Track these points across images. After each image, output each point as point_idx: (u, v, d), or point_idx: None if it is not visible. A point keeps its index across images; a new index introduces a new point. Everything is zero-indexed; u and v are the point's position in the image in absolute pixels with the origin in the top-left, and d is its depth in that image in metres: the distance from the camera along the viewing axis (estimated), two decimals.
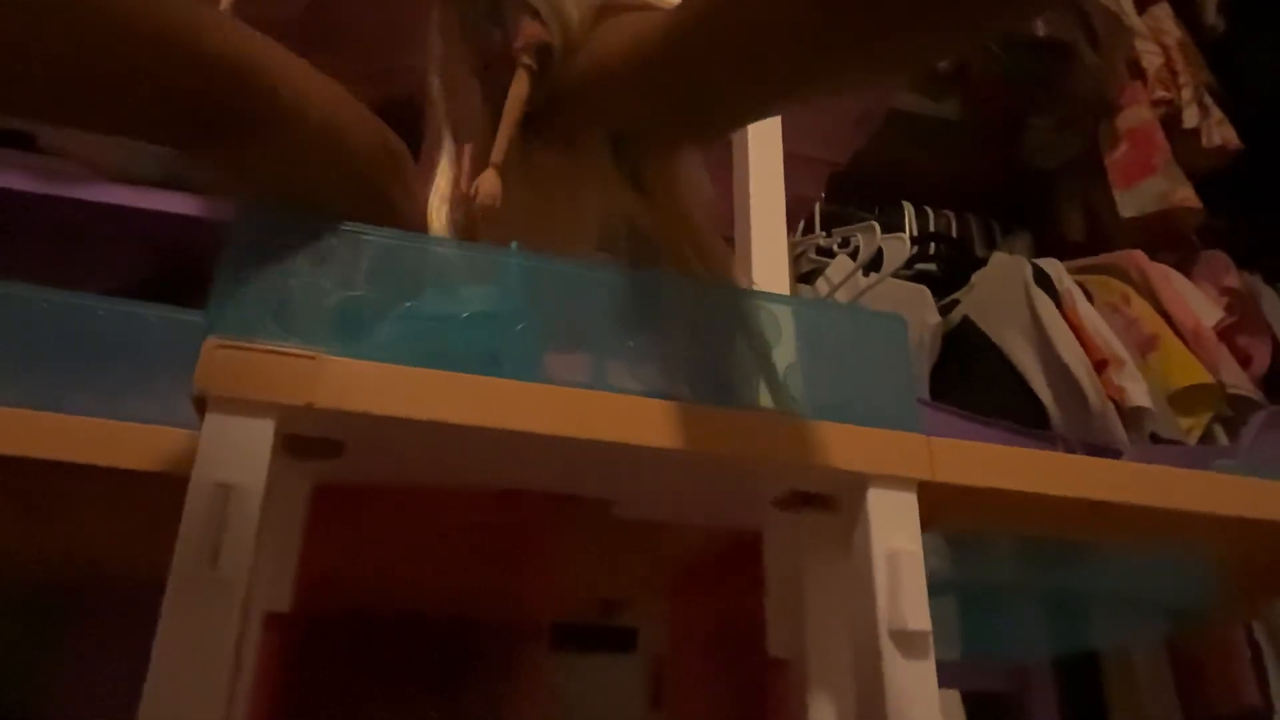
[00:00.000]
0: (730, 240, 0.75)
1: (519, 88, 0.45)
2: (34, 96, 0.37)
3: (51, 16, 0.34)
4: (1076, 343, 1.37)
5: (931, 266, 1.81)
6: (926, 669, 0.40)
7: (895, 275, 1.53)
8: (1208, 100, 1.79)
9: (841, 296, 1.48)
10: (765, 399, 0.45)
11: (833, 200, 1.73)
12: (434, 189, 0.49)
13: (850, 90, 0.88)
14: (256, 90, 0.38)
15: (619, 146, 0.47)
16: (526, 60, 0.45)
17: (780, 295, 0.49)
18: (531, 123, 0.47)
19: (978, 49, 1.68)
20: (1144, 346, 1.44)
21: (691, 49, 0.40)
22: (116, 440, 0.43)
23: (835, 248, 1.60)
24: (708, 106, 0.43)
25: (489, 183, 0.44)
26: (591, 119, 0.47)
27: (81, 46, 0.35)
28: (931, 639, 0.41)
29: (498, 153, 0.45)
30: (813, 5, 0.34)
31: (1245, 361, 1.56)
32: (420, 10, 0.83)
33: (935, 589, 0.42)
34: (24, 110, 0.40)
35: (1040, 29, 1.68)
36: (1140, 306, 1.50)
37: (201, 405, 0.36)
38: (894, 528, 0.43)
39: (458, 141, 0.50)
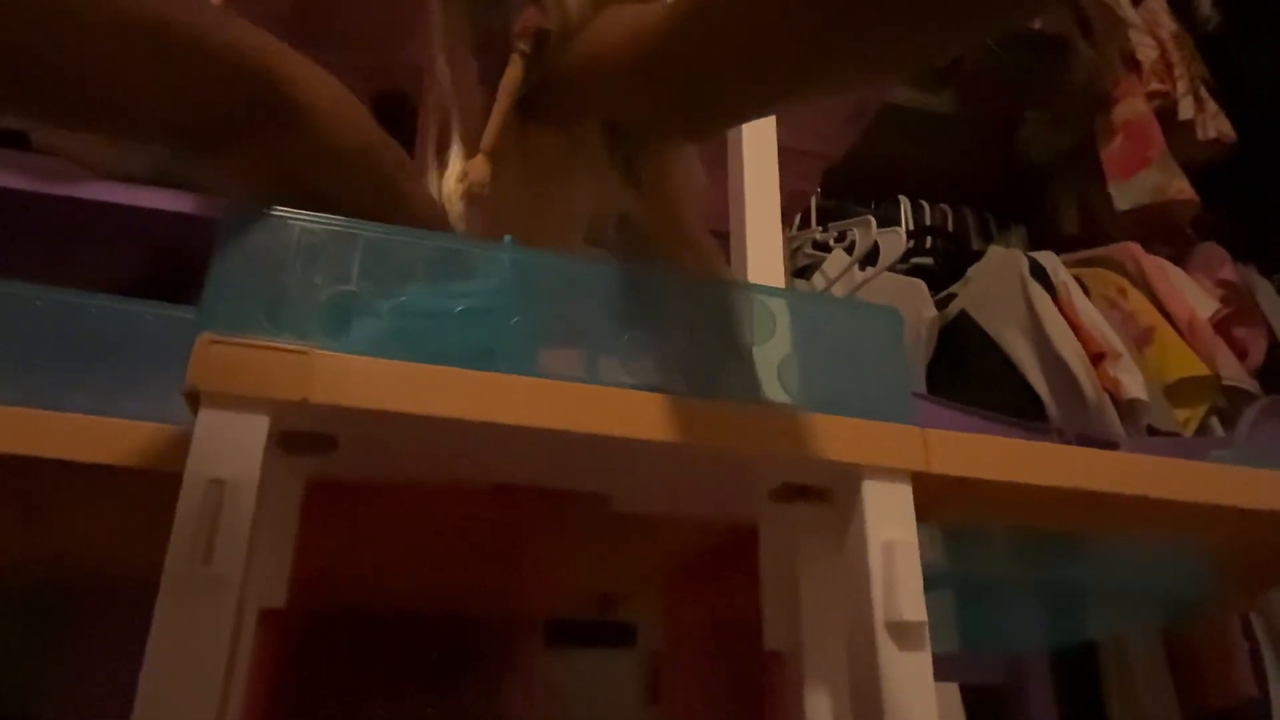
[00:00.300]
0: (725, 234, 0.75)
1: (513, 72, 0.45)
2: (68, 103, 0.38)
3: (84, 27, 0.34)
4: (1073, 336, 1.38)
5: (928, 260, 1.81)
6: (923, 660, 0.40)
7: (891, 269, 1.53)
8: (1203, 93, 1.79)
9: (838, 291, 1.48)
10: (760, 392, 0.45)
11: (829, 195, 1.73)
12: (449, 169, 0.49)
13: (849, 89, 0.88)
14: (275, 86, 0.39)
15: (613, 135, 0.47)
16: (522, 45, 0.45)
17: (775, 288, 0.49)
18: (528, 105, 0.47)
19: (975, 47, 1.68)
20: (1140, 339, 1.45)
21: (689, 45, 0.40)
22: (114, 438, 0.43)
23: (831, 242, 1.60)
24: (704, 103, 0.43)
25: (478, 169, 0.44)
26: (586, 107, 0.47)
27: (112, 53, 0.35)
28: (927, 630, 0.41)
29: (488, 139, 0.45)
30: (811, 4, 0.34)
31: (1241, 353, 1.56)
32: (409, 7, 0.84)
33: (931, 582, 0.42)
34: (57, 118, 0.40)
35: (1035, 22, 1.68)
36: (1136, 299, 1.50)
37: (195, 401, 0.36)
38: (889, 519, 0.43)
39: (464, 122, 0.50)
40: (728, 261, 0.72)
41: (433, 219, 0.46)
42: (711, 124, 0.47)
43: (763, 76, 0.39)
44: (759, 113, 0.57)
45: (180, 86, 0.37)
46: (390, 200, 0.44)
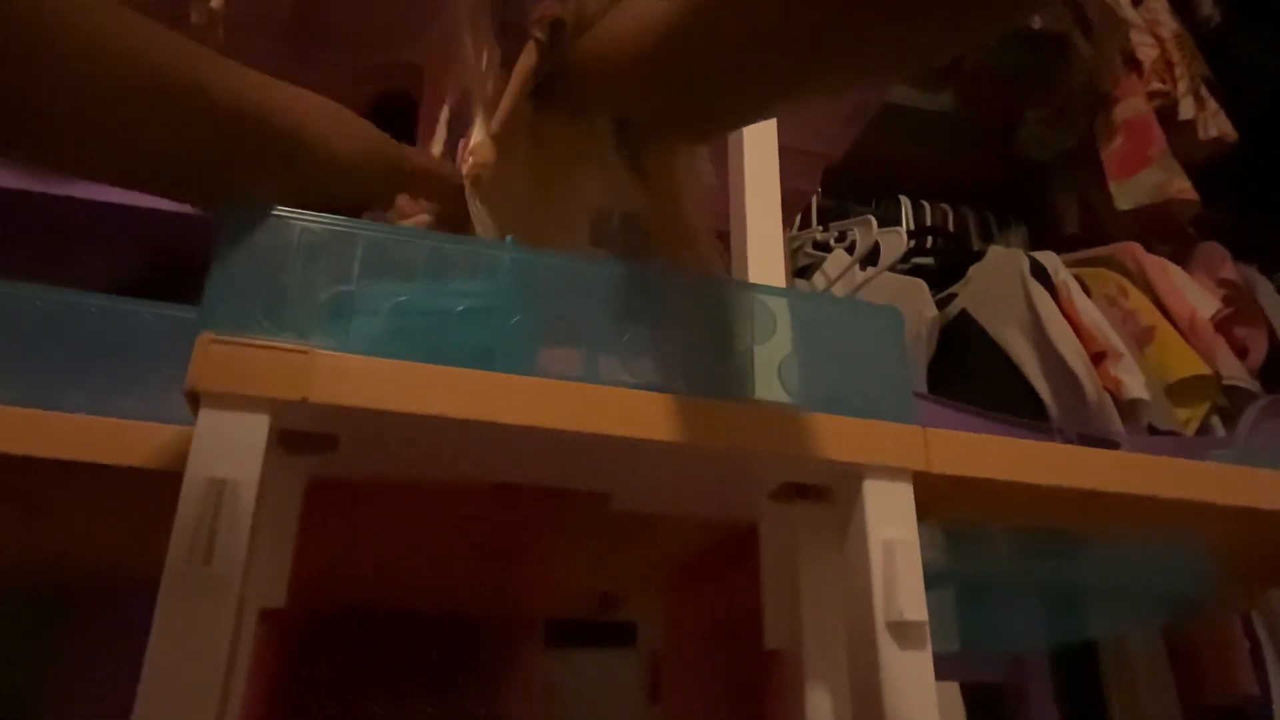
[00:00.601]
0: (726, 234, 0.75)
1: (527, 60, 0.45)
2: (68, 152, 0.39)
3: (82, 75, 0.35)
4: (1073, 335, 1.37)
5: (928, 260, 1.81)
6: (923, 659, 0.40)
7: (892, 269, 1.53)
8: (1204, 92, 1.78)
9: (838, 291, 1.48)
10: (761, 391, 0.45)
11: (829, 195, 1.73)
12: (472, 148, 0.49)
13: (849, 90, 0.88)
14: (270, 120, 0.40)
15: (621, 130, 0.47)
16: (538, 34, 0.45)
17: (776, 288, 0.49)
18: (543, 94, 0.47)
19: (975, 46, 1.68)
20: (1141, 338, 1.44)
21: (689, 45, 0.40)
22: (112, 437, 0.43)
23: (832, 242, 1.60)
24: (703, 103, 0.43)
25: (482, 151, 0.45)
26: (595, 100, 0.47)
27: (111, 101, 0.36)
28: (928, 629, 0.41)
29: (496, 123, 0.45)
30: (811, 3, 0.34)
31: (1242, 353, 1.56)
32: (410, 9, 0.83)
33: (932, 580, 0.42)
34: (58, 166, 0.42)
35: (1035, 21, 1.68)
36: (1137, 298, 1.50)
37: (195, 401, 0.36)
38: (890, 518, 0.43)
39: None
40: (728, 262, 0.72)
41: (448, 189, 0.48)
42: (711, 125, 0.47)
43: (762, 76, 0.39)
44: (758, 115, 0.57)
45: (179, 129, 0.38)
46: (401, 185, 0.47)
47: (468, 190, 0.48)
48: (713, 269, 0.52)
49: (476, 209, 0.47)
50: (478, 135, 0.48)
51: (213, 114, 0.38)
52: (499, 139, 0.46)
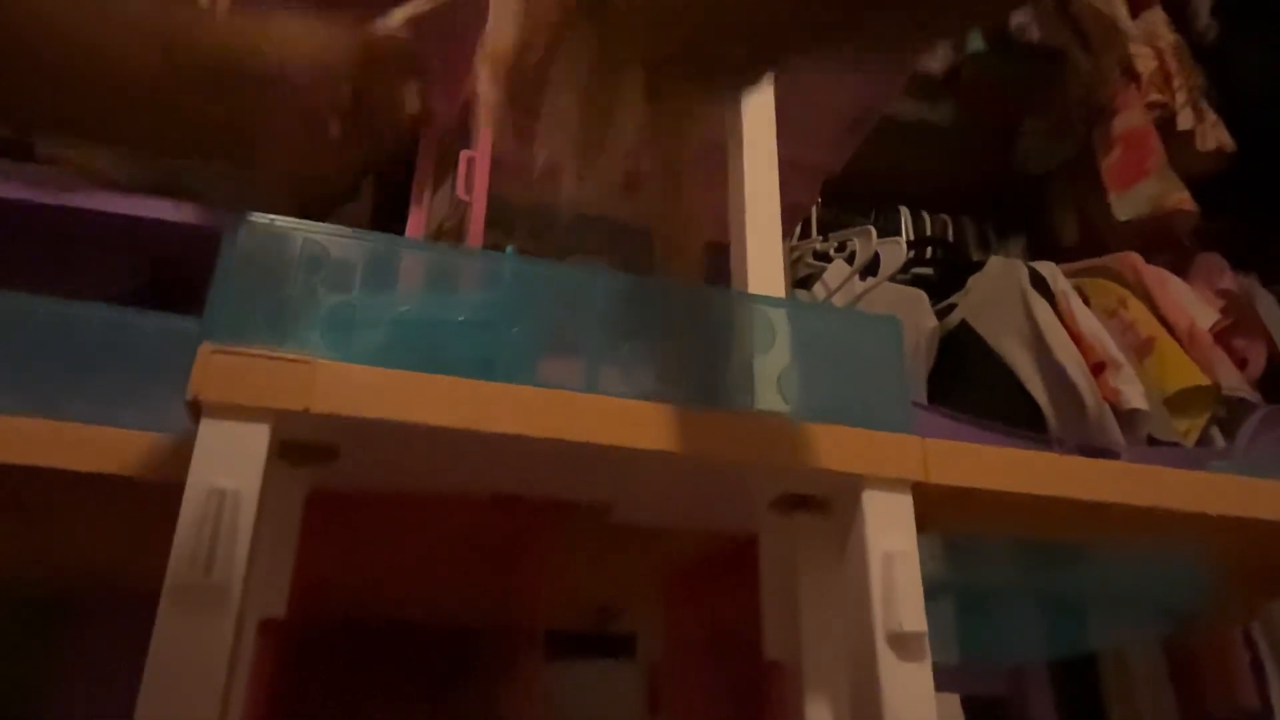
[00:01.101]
0: (725, 246, 0.75)
1: None
2: (62, 111, 0.39)
3: (67, 39, 0.35)
4: (1073, 346, 1.37)
5: (928, 271, 1.81)
6: (923, 671, 0.40)
7: (891, 280, 1.53)
8: (1202, 103, 1.79)
9: (838, 301, 1.48)
10: (760, 402, 0.45)
11: (829, 205, 1.73)
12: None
13: (881, 49, 0.86)
14: (257, 63, 0.40)
15: (652, 92, 0.46)
16: None
17: (775, 298, 0.49)
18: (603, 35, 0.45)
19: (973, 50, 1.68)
20: (1140, 349, 1.45)
21: None
22: (112, 447, 0.43)
23: (832, 253, 1.60)
24: (724, 50, 0.42)
25: (498, 39, 0.43)
26: (626, 46, 0.46)
27: (92, 56, 0.36)
28: (927, 641, 0.41)
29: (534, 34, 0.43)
30: None
31: (1241, 363, 1.56)
32: None
33: (931, 591, 0.42)
34: (60, 126, 0.42)
35: (1033, 33, 1.69)
36: (1136, 309, 1.50)
37: (197, 411, 0.36)
38: (889, 530, 0.43)
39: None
40: (726, 274, 0.72)
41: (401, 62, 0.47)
42: (729, 71, 0.45)
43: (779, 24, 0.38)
44: (771, 65, 0.54)
45: (158, 79, 0.38)
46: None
47: (481, 79, 0.46)
48: (696, 271, 0.50)
49: (488, 91, 0.45)
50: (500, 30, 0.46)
51: (193, 60, 0.38)
52: (537, 44, 0.43)
